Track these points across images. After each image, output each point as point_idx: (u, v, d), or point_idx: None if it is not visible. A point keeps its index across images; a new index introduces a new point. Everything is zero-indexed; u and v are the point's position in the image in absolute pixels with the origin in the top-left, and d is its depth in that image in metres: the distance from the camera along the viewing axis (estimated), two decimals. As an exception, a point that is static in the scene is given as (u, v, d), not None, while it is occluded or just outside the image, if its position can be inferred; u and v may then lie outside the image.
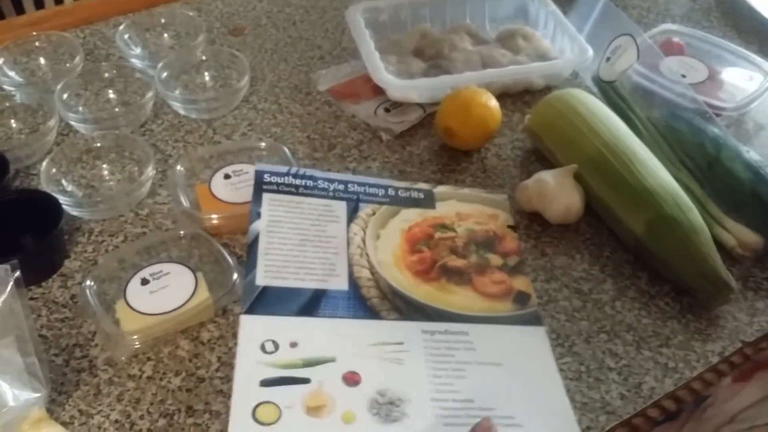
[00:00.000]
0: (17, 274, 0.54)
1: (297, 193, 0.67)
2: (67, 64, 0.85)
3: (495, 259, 0.65)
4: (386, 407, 0.52)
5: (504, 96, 0.83)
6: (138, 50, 0.88)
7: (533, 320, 0.60)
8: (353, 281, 0.61)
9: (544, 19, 0.91)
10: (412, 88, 0.80)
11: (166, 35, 0.92)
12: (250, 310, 0.57)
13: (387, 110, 0.82)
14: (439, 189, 0.71)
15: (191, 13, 0.94)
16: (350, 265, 0.62)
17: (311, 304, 0.59)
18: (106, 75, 0.84)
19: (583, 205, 0.68)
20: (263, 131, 0.79)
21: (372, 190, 0.70)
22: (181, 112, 0.81)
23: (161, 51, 0.89)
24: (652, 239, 0.63)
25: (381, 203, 0.69)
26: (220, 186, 0.69)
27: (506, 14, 0.94)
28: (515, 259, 0.65)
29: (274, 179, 0.68)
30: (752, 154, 0.69)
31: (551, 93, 0.76)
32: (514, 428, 0.52)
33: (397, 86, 0.79)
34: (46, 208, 0.63)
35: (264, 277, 0.59)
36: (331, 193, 0.68)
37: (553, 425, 0.53)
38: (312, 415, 0.51)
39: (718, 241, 0.65)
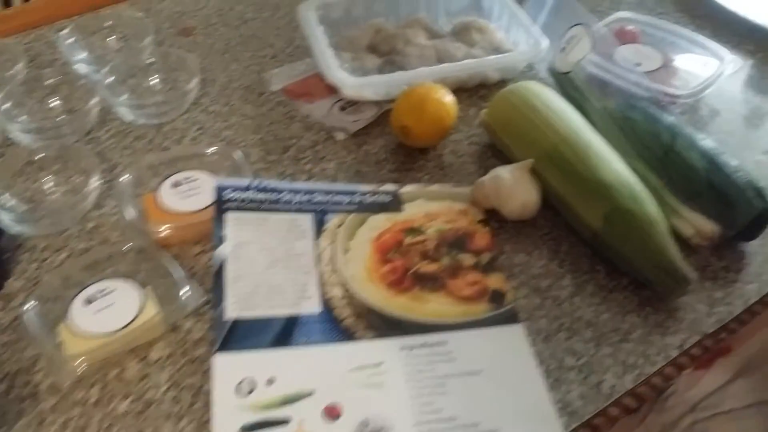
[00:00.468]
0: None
1: (261, 209, 0.65)
2: (8, 72, 0.81)
3: (467, 259, 0.64)
4: None
5: (460, 90, 0.81)
6: (83, 55, 0.85)
7: (510, 318, 0.59)
8: (325, 302, 0.59)
9: (499, 11, 0.90)
10: (366, 85, 0.78)
11: (112, 38, 0.89)
12: (223, 347, 0.54)
13: (342, 108, 0.80)
14: (406, 189, 0.70)
15: (138, 14, 0.91)
16: (321, 285, 0.60)
17: (284, 333, 0.56)
18: (50, 82, 0.80)
19: (539, 200, 0.67)
20: (214, 135, 0.77)
21: (337, 198, 0.68)
22: (129, 117, 0.78)
23: (107, 55, 0.86)
24: (609, 233, 0.63)
25: (348, 212, 0.67)
26: (169, 195, 0.67)
27: (461, 7, 0.92)
28: (488, 255, 0.64)
29: (235, 195, 0.65)
30: (707, 142, 0.69)
31: (506, 86, 0.75)
32: None
33: (350, 84, 0.77)
34: (-15, 226, 0.61)
35: (233, 309, 0.57)
36: (295, 206, 0.66)
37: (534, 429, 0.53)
38: None
39: (676, 230, 0.64)
